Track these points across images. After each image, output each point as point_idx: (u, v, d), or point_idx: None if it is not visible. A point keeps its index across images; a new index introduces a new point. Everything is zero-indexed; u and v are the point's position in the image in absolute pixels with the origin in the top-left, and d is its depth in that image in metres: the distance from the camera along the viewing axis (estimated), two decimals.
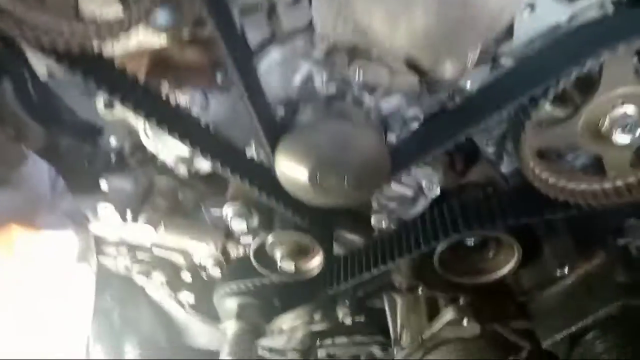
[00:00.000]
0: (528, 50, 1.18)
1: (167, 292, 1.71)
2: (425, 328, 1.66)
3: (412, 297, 1.75)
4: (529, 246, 1.47)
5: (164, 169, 1.47)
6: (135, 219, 1.41)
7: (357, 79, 1.16)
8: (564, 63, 1.05)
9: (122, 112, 1.29)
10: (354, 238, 1.63)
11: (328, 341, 2.02)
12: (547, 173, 1.25)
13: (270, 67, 1.19)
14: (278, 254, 1.43)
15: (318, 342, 2.02)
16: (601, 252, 1.45)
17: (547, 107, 1.14)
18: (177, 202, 1.49)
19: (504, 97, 1.13)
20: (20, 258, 1.37)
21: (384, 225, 1.47)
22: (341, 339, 2.01)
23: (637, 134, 1.11)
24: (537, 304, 1.56)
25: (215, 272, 1.53)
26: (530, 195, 1.32)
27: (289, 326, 1.80)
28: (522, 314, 1.60)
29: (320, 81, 1.20)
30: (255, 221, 1.41)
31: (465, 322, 1.56)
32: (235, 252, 1.53)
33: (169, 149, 1.37)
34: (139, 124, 1.31)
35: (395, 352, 1.85)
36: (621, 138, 1.12)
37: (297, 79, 1.20)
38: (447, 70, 1.04)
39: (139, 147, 1.45)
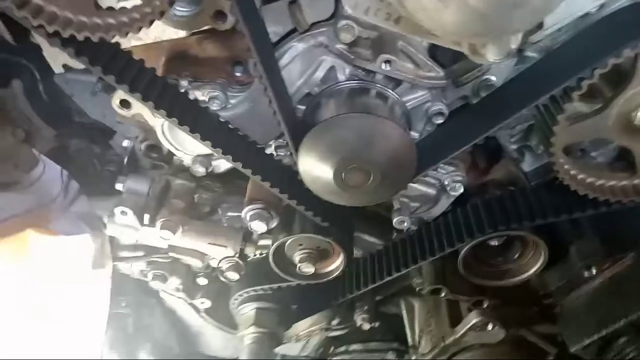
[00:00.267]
0: (554, 41, 1.15)
1: (182, 297, 1.68)
2: (447, 333, 1.62)
3: (432, 301, 1.72)
4: (553, 247, 1.43)
5: (179, 170, 1.44)
6: (152, 223, 1.37)
7: (382, 72, 1.12)
8: (599, 52, 1.01)
9: (139, 110, 1.25)
10: (374, 240, 1.59)
11: (342, 348, 1.99)
12: (577, 169, 1.22)
13: (292, 60, 1.15)
14: (297, 257, 1.39)
15: (332, 350, 1.99)
16: (631, 253, 1.41)
17: (575, 102, 1.11)
18: (193, 203, 1.46)
19: (535, 89, 1.10)
20: (35, 262, 1.34)
21: (405, 226, 1.42)
22: (356, 346, 1.98)
23: None
24: (563, 307, 1.52)
25: (233, 276, 1.49)
26: (558, 193, 1.29)
27: (306, 332, 1.76)
28: (548, 318, 1.56)
29: (343, 75, 1.17)
30: (274, 222, 1.37)
31: (490, 326, 1.53)
32: (253, 255, 1.49)
33: (186, 148, 1.34)
34: (157, 122, 1.28)
35: (412, 358, 1.82)
36: None
37: (320, 72, 1.16)
38: (490, 51, 1.00)
39: (154, 147, 1.42)
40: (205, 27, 1.11)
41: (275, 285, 1.55)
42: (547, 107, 1.12)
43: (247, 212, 1.36)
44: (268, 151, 1.29)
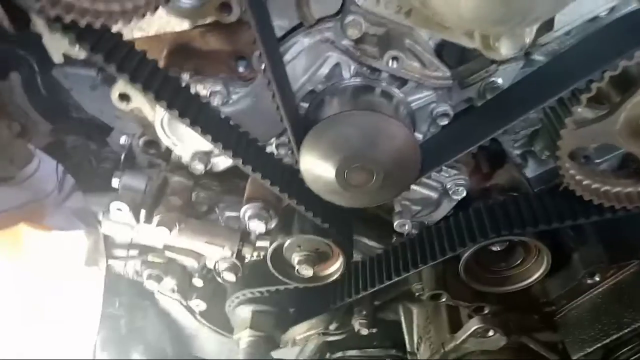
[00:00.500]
0: (562, 44, 1.14)
1: (177, 298, 1.64)
2: (447, 339, 1.59)
3: (431, 307, 1.70)
4: (556, 254, 1.41)
5: (177, 167, 1.41)
6: (149, 220, 1.34)
7: (388, 70, 1.10)
8: (609, 55, 1.00)
9: (138, 104, 1.23)
10: (373, 244, 1.57)
11: (339, 354, 1.96)
12: (583, 174, 1.21)
13: (296, 56, 1.13)
14: (296, 259, 1.36)
15: (328, 355, 1.96)
16: (635, 260, 1.39)
17: (582, 106, 1.09)
18: (190, 202, 1.43)
19: (543, 91, 1.08)
20: (29, 256, 1.31)
21: (406, 229, 1.40)
22: (353, 352, 1.95)
23: None
24: (566, 314, 1.50)
25: (229, 277, 1.46)
26: (562, 199, 1.28)
27: (303, 336, 1.73)
28: (550, 325, 1.54)
29: (348, 72, 1.15)
30: (273, 223, 1.34)
31: (491, 333, 1.50)
32: (250, 256, 1.46)
33: (185, 143, 1.32)
34: (156, 116, 1.25)
35: None
36: None
37: (324, 69, 1.14)
38: (504, 45, 0.98)
39: (152, 142, 1.39)
40: (209, 20, 1.09)
41: (272, 288, 1.52)
42: (555, 110, 1.11)
43: (245, 211, 1.33)
44: (269, 149, 1.27)
